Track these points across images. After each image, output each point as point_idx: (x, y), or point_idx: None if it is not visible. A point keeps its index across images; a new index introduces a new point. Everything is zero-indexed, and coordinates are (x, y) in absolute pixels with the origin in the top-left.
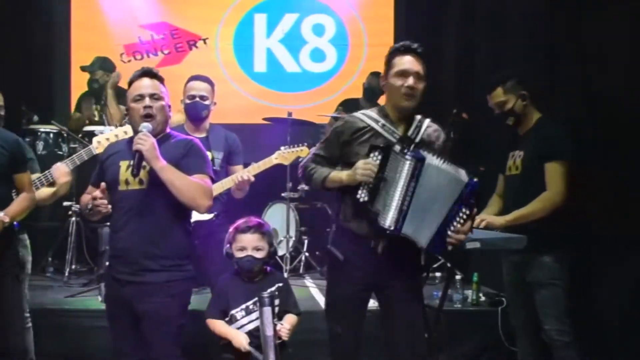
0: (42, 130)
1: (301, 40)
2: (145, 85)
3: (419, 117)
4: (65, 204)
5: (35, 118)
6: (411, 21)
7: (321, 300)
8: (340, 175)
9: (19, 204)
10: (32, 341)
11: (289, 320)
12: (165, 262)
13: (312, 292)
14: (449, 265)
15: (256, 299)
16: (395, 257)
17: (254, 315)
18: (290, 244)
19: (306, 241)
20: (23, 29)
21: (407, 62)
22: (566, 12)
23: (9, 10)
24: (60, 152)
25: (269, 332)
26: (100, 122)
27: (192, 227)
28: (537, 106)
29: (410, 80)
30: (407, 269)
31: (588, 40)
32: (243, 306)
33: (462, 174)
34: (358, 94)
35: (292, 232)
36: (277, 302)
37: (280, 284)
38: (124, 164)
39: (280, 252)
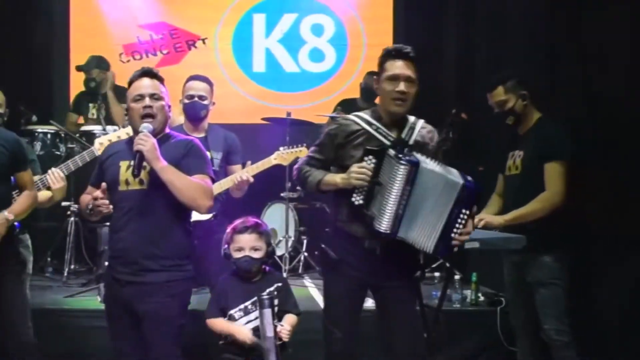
0: (39, 130)
1: (300, 40)
2: (145, 85)
3: (412, 118)
4: (64, 204)
5: (34, 118)
6: (410, 21)
7: (320, 300)
8: (334, 178)
9: (22, 202)
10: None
11: (289, 320)
12: (165, 262)
13: (312, 292)
14: (447, 265)
15: (254, 299)
16: (391, 257)
17: (253, 315)
18: (289, 244)
19: (305, 241)
20: (22, 29)
21: (398, 66)
22: (566, 12)
23: (9, 11)
24: (58, 153)
25: (270, 333)
26: (98, 122)
27: (191, 227)
28: (537, 106)
29: (401, 86)
30: (403, 269)
31: (588, 40)
32: (241, 306)
33: (457, 176)
34: (357, 94)
35: (291, 232)
36: (276, 302)
37: (279, 284)
38: (124, 164)
39: (279, 252)
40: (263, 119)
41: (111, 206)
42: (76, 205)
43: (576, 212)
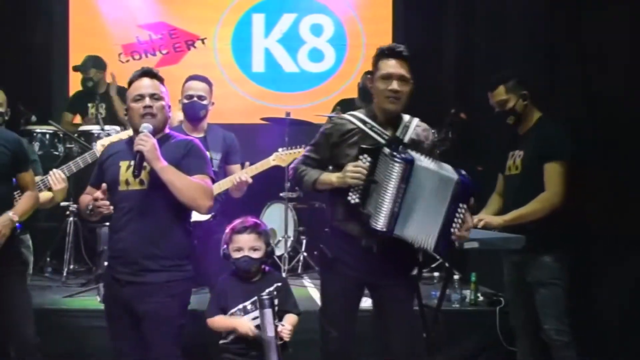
0: (38, 130)
1: (299, 40)
2: (146, 85)
3: (407, 117)
4: (63, 204)
5: (34, 118)
6: (409, 21)
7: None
8: (330, 177)
9: (25, 203)
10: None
11: (290, 320)
12: (166, 263)
13: (311, 292)
14: (447, 265)
15: (254, 299)
16: (388, 256)
17: (252, 315)
18: (289, 244)
19: (304, 241)
20: (22, 29)
21: (391, 65)
22: (566, 12)
23: (8, 11)
24: (57, 153)
25: (270, 333)
26: (97, 122)
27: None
28: (537, 106)
29: (394, 84)
30: (401, 268)
31: (588, 40)
32: (240, 306)
33: (452, 171)
34: (356, 94)
35: (291, 232)
36: (276, 302)
37: (279, 284)
38: (124, 165)
39: (279, 252)
40: (262, 119)
41: (111, 207)
42: (75, 206)
43: (576, 212)
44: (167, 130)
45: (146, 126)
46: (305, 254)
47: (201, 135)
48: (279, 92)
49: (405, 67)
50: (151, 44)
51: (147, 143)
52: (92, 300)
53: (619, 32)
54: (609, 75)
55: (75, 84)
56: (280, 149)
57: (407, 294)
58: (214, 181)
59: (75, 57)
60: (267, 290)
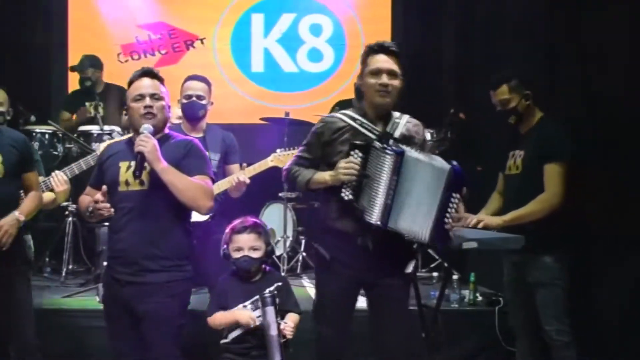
0: (37, 130)
1: (298, 40)
2: (146, 85)
3: (397, 114)
4: (62, 204)
5: (33, 118)
6: (408, 21)
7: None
8: (323, 176)
9: (30, 203)
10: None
11: (292, 318)
12: (165, 263)
13: (310, 292)
14: (446, 265)
15: (254, 298)
16: (384, 253)
17: (254, 315)
18: (288, 244)
19: (303, 241)
20: (21, 29)
21: (380, 60)
22: (566, 12)
23: (7, 11)
24: (56, 153)
25: (273, 331)
26: (96, 122)
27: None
28: (540, 106)
29: (384, 78)
30: (397, 267)
31: (588, 40)
32: (240, 306)
33: (443, 162)
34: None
35: (290, 232)
36: (277, 300)
37: (280, 283)
38: (123, 165)
39: (278, 252)
40: (261, 119)
41: (112, 209)
42: (74, 206)
43: (576, 212)
44: (166, 131)
45: (147, 127)
46: (304, 254)
47: (200, 135)
48: (278, 92)
49: (394, 62)
50: (150, 44)
51: (147, 144)
52: (91, 300)
53: (619, 32)
54: (609, 75)
55: (74, 83)
56: (278, 150)
57: (402, 293)
58: (213, 181)
59: (75, 56)
60: (268, 290)
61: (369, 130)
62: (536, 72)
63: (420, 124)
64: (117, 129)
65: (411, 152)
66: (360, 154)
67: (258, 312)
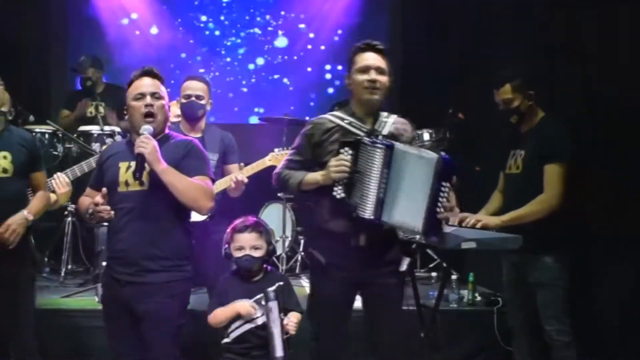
0: (37, 130)
1: None
2: (146, 84)
3: (385, 113)
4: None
5: (32, 118)
6: (407, 21)
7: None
8: (315, 176)
9: (38, 202)
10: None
11: (294, 316)
12: (165, 263)
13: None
14: (444, 265)
15: (258, 296)
16: (376, 253)
17: (255, 314)
18: (287, 244)
19: (302, 241)
20: (20, 28)
21: (368, 58)
22: (566, 12)
23: (5, 10)
24: (56, 153)
25: (276, 327)
26: (96, 122)
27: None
28: (542, 107)
29: (372, 74)
30: (390, 265)
31: (588, 40)
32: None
33: (431, 153)
34: None
35: (288, 232)
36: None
37: (281, 283)
38: (123, 165)
39: (277, 252)
40: (260, 119)
41: (112, 212)
42: (73, 206)
43: (576, 212)
44: (166, 131)
45: (146, 128)
46: (303, 254)
47: (199, 135)
48: None
49: (382, 59)
50: None
51: (148, 145)
52: (90, 300)
53: (619, 32)
54: (609, 75)
55: (73, 83)
56: (276, 149)
57: (397, 292)
58: (213, 181)
59: (74, 56)
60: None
61: (358, 129)
62: (536, 72)
63: (408, 122)
64: (117, 129)
65: (400, 145)
66: (350, 151)
67: (261, 311)
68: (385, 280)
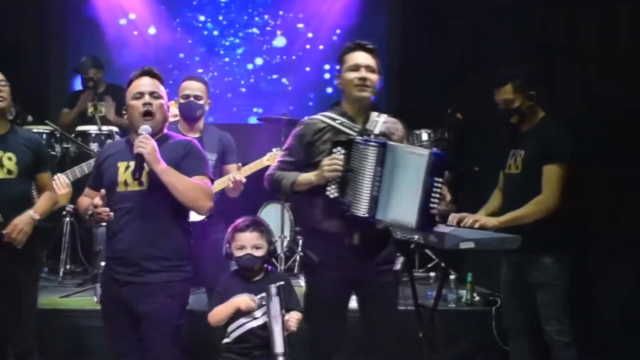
0: (35, 130)
1: None
2: (146, 83)
3: (375, 113)
4: None
5: (30, 118)
6: (406, 21)
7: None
8: (308, 176)
9: (44, 202)
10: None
11: (295, 314)
12: (165, 263)
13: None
14: (443, 265)
15: (260, 295)
16: (370, 253)
17: (256, 314)
18: (285, 243)
19: (301, 241)
20: (20, 28)
21: (357, 57)
22: (566, 12)
23: (5, 10)
24: (54, 153)
25: (278, 323)
26: (94, 122)
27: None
28: (543, 107)
29: (362, 72)
30: (384, 265)
31: (588, 40)
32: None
33: (422, 149)
34: None
35: (287, 232)
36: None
37: (282, 283)
38: (122, 165)
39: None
40: (258, 119)
41: (112, 213)
42: (72, 206)
43: (576, 212)
44: (165, 131)
45: (145, 128)
46: (301, 253)
47: (197, 135)
48: None
49: (372, 58)
50: None
51: (147, 145)
52: (89, 300)
53: (619, 32)
54: (609, 75)
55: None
56: (274, 149)
57: (392, 291)
58: (212, 181)
59: (73, 56)
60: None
61: (349, 128)
62: (536, 72)
63: (399, 121)
64: (115, 129)
65: (392, 143)
66: (342, 151)
67: (259, 312)
68: (380, 279)
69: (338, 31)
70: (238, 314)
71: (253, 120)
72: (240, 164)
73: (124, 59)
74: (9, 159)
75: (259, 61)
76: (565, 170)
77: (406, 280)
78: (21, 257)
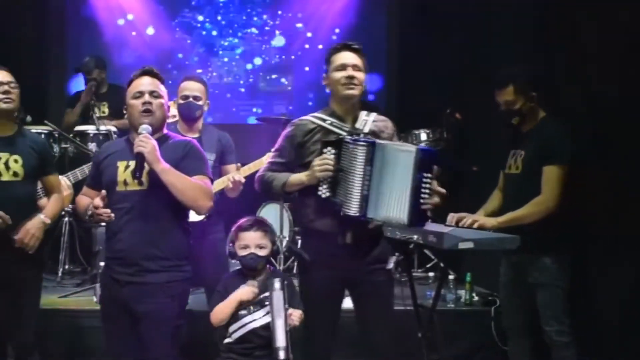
0: (33, 130)
1: None
2: (145, 82)
3: (365, 112)
4: None
5: (28, 118)
6: (405, 20)
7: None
8: (299, 177)
9: (54, 205)
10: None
11: (297, 311)
12: (165, 263)
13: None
14: (442, 265)
15: (262, 295)
16: (363, 251)
17: (257, 314)
18: (284, 243)
19: (300, 241)
20: (17, 28)
21: (344, 57)
22: (566, 12)
23: (3, 9)
24: (53, 153)
25: (280, 317)
26: (92, 122)
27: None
28: (544, 108)
29: (350, 70)
30: (377, 264)
31: (588, 40)
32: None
33: (410, 146)
34: None
35: (286, 232)
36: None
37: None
38: (122, 165)
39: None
40: (258, 119)
41: (113, 215)
42: (71, 206)
43: (575, 212)
44: (165, 131)
45: (145, 127)
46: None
47: (196, 135)
48: None
49: (358, 58)
50: None
51: (147, 145)
52: (89, 300)
53: (619, 32)
54: (609, 75)
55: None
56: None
57: (386, 290)
58: (212, 181)
59: (72, 56)
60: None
61: (339, 128)
62: (536, 72)
63: (388, 119)
64: (113, 129)
65: (381, 142)
66: (333, 150)
67: (261, 312)
68: (372, 278)
69: (337, 31)
70: (240, 310)
71: (252, 120)
72: (239, 164)
73: (122, 59)
74: (15, 161)
75: (258, 61)
76: (565, 170)
77: (405, 280)
78: (30, 260)
